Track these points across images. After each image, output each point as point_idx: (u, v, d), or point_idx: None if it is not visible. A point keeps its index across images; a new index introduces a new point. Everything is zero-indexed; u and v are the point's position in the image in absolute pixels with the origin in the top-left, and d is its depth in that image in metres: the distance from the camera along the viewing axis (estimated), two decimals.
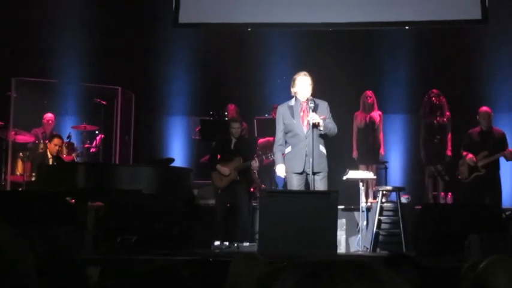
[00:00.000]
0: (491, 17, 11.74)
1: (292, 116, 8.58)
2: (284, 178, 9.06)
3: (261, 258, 3.72)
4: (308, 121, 8.40)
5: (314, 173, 8.33)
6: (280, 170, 8.69)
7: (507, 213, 10.74)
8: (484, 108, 11.05)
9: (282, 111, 8.75)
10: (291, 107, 8.65)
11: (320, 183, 8.44)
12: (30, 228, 8.04)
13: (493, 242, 7.73)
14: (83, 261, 6.09)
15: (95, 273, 3.85)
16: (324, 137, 8.57)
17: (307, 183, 8.47)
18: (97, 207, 9.95)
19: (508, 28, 12.87)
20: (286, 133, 8.67)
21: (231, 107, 12.80)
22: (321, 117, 8.43)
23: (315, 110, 8.44)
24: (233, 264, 3.68)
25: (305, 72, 8.68)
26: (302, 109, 8.57)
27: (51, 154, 11.22)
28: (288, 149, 8.61)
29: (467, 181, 10.86)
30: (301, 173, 8.48)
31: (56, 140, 11.31)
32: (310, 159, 8.28)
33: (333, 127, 8.60)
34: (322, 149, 8.54)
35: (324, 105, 8.66)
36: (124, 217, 9.44)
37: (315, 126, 8.37)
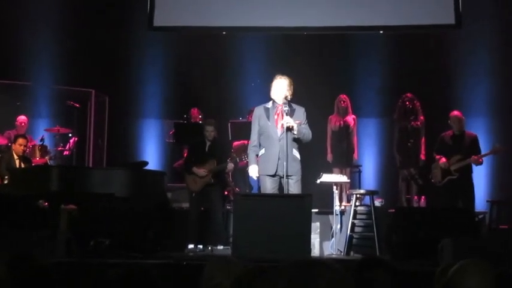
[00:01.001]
0: (465, 22, 11.82)
1: (268, 118, 8.62)
2: (258, 182, 9.05)
3: (236, 261, 3.70)
4: (282, 124, 8.43)
5: (287, 176, 8.36)
6: (253, 171, 8.73)
7: (480, 216, 10.83)
8: (455, 113, 11.11)
9: (258, 112, 8.79)
10: (267, 109, 8.69)
11: (294, 187, 8.46)
12: (2, 232, 8.02)
13: (466, 245, 7.77)
14: (55, 265, 6.06)
15: None
16: (298, 141, 8.59)
17: (281, 187, 8.49)
18: (70, 211, 9.90)
19: (482, 33, 12.96)
20: (260, 135, 8.69)
21: (194, 111, 12.83)
22: (296, 121, 8.46)
23: (291, 114, 8.49)
24: (208, 267, 3.65)
25: (281, 76, 8.70)
26: (277, 112, 8.60)
27: (17, 155, 11.06)
28: (262, 151, 8.64)
29: (441, 185, 10.92)
30: (273, 176, 8.50)
31: (20, 140, 11.10)
32: (284, 163, 8.30)
33: (307, 133, 8.63)
34: (296, 153, 8.56)
35: (300, 110, 8.70)
36: (97, 220, 9.39)
37: (289, 129, 8.39)
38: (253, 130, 8.81)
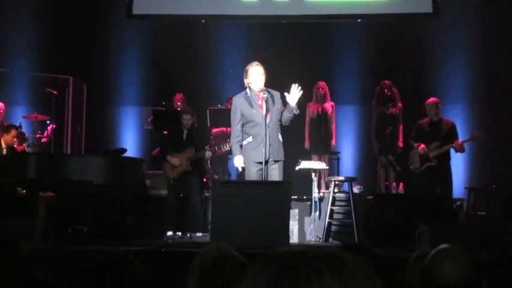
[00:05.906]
0: (442, 10, 11.87)
1: (251, 105, 8.47)
2: (237, 168, 9.00)
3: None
4: (267, 110, 8.38)
5: (275, 161, 8.40)
6: (238, 162, 8.57)
7: (458, 203, 10.90)
8: (431, 99, 11.11)
9: (238, 102, 8.61)
10: (247, 98, 8.55)
11: (278, 172, 8.45)
12: None
13: (443, 232, 7.83)
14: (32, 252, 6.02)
15: None
16: (281, 125, 8.60)
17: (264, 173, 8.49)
18: (48, 198, 9.86)
19: (459, 21, 13.00)
20: (245, 124, 8.57)
21: (179, 96, 12.74)
22: (277, 106, 8.48)
23: (271, 99, 8.49)
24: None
25: (257, 63, 8.62)
26: (259, 99, 8.51)
27: (6, 145, 11.00)
28: (249, 139, 8.48)
29: (419, 171, 10.95)
30: (261, 163, 8.41)
31: (13, 132, 11.09)
32: (270, 148, 8.29)
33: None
34: (280, 137, 8.57)
35: (278, 95, 8.65)
36: (75, 208, 9.37)
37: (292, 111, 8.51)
38: (234, 121, 8.61)
